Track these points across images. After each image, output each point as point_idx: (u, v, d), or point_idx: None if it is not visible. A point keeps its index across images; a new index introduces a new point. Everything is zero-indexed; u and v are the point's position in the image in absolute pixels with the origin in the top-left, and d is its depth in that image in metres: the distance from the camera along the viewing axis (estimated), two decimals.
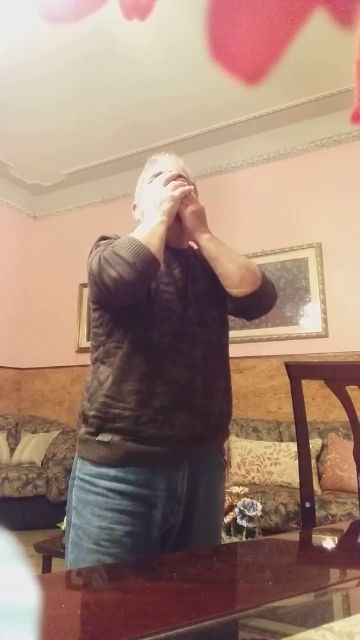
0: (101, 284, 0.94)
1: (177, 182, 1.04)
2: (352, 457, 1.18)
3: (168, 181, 1.04)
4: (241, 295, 1.02)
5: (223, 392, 1.03)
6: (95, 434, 0.95)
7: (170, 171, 1.08)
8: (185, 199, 1.03)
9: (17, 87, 3.32)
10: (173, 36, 2.83)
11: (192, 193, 1.05)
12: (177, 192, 1.02)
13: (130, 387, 0.94)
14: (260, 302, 1.06)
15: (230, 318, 1.12)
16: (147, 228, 0.97)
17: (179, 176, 1.08)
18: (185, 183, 1.06)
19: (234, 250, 1.06)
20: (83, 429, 0.98)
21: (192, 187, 1.07)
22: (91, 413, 0.96)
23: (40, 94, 3.40)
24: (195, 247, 1.12)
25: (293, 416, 1.20)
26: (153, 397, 0.94)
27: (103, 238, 1.07)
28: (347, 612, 0.55)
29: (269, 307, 1.09)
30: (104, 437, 0.94)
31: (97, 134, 3.88)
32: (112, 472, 0.92)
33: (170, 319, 0.99)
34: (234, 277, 1.01)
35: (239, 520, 1.97)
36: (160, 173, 1.09)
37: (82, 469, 0.96)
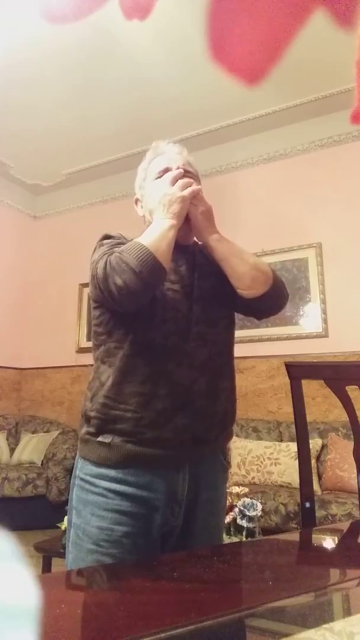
0: (106, 290, 0.91)
1: (185, 180, 1.01)
2: (352, 457, 1.18)
3: (175, 179, 1.01)
4: (252, 297, 1.00)
5: (228, 393, 1.02)
6: (96, 434, 0.94)
7: (178, 167, 1.05)
8: (194, 199, 1.00)
9: (16, 87, 3.32)
10: (173, 35, 2.83)
11: (200, 193, 1.02)
12: (187, 192, 0.98)
13: (132, 389, 0.93)
14: (271, 303, 1.04)
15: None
16: (156, 232, 0.94)
17: (186, 172, 1.05)
18: (193, 181, 1.03)
19: (244, 250, 1.03)
20: (84, 429, 0.98)
21: (200, 187, 1.03)
22: (92, 414, 0.95)
23: (40, 94, 3.39)
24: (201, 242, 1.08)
25: (293, 416, 1.20)
26: (155, 399, 0.92)
27: (107, 237, 1.04)
28: (347, 612, 0.55)
29: (280, 307, 1.07)
30: (105, 438, 0.93)
31: (97, 133, 3.88)
32: (112, 473, 0.91)
33: (174, 319, 0.97)
34: (245, 278, 0.98)
35: (239, 520, 1.97)
36: (167, 169, 1.06)
37: (82, 469, 0.96)
